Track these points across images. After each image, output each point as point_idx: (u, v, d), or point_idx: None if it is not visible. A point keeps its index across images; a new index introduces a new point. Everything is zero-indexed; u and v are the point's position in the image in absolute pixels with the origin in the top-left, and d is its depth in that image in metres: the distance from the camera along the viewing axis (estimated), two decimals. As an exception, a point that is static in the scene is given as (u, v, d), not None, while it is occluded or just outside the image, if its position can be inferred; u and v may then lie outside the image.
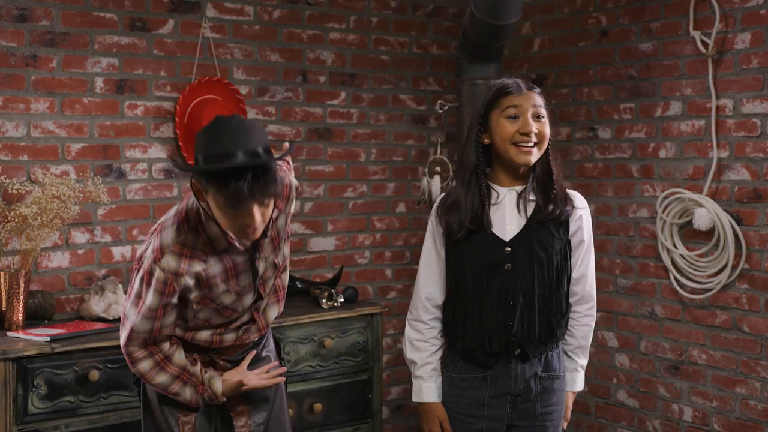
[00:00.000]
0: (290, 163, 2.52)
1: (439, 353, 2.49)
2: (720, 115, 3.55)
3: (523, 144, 2.34)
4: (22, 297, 3.13)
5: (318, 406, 3.48)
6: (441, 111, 4.00)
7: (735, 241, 3.47)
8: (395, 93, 4.29)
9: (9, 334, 3.06)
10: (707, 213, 3.51)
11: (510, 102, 2.35)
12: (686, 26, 3.64)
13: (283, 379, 2.46)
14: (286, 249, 2.42)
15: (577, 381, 2.53)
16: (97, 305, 3.34)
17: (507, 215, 2.39)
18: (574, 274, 2.45)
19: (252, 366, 2.43)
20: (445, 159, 3.96)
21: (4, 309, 3.13)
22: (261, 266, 2.32)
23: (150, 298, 2.23)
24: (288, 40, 3.95)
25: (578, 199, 2.48)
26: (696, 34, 3.58)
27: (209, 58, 3.72)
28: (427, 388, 2.45)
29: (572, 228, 2.44)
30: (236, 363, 2.42)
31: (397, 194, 4.32)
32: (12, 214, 3.12)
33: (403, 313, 4.32)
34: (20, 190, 3.20)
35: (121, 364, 3.02)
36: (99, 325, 3.18)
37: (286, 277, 2.47)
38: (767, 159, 3.42)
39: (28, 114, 3.35)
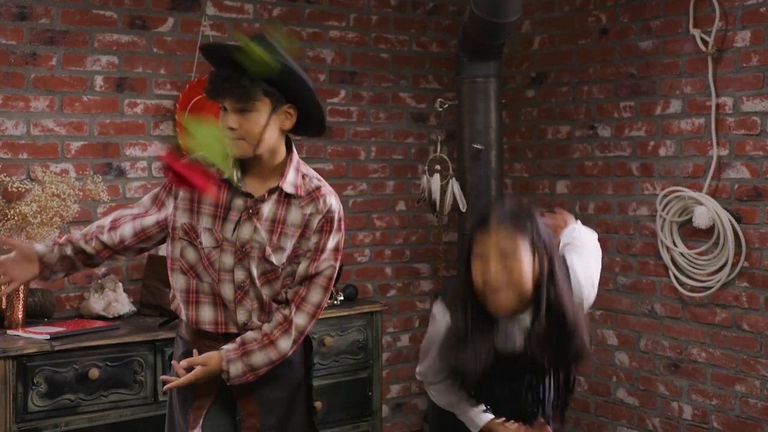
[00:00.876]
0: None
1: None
2: (720, 113, 3.55)
3: (492, 293, 2.08)
4: (21, 295, 3.13)
5: (318, 404, 3.48)
6: (441, 109, 4.00)
7: (735, 239, 3.47)
8: (395, 91, 4.29)
9: (9, 332, 3.06)
10: (707, 211, 3.51)
11: (477, 245, 2.11)
12: (686, 24, 3.64)
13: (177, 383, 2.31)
14: (321, 266, 2.33)
15: None
16: (96, 303, 3.34)
17: (517, 342, 2.18)
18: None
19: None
20: (445, 157, 3.96)
21: (4, 307, 3.13)
22: (246, 229, 2.29)
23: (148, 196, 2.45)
24: (288, 38, 3.95)
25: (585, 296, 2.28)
26: (696, 32, 3.58)
27: (209, 56, 3.71)
28: (475, 415, 2.29)
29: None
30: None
31: (397, 192, 4.32)
32: (12, 212, 3.12)
33: (403, 311, 4.34)
34: (20, 189, 3.20)
35: (121, 362, 3.03)
36: (99, 323, 3.18)
37: (315, 291, 2.34)
38: (767, 157, 3.42)
39: (28, 112, 3.34)
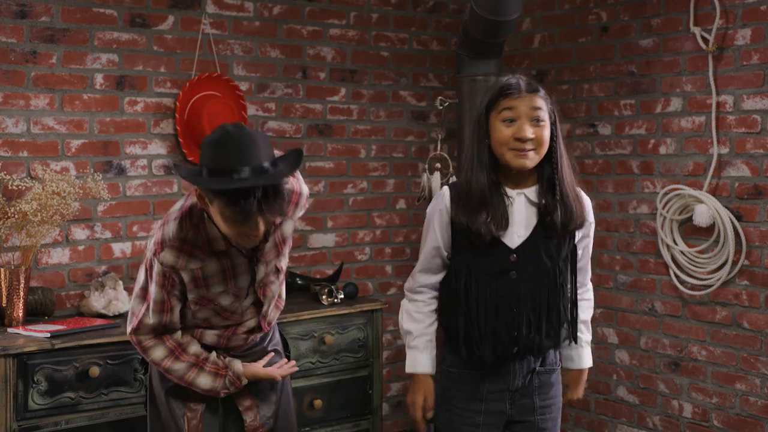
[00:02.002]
0: (298, 174, 2.47)
1: (435, 326, 2.47)
2: (720, 112, 3.55)
3: (518, 149, 2.26)
4: (22, 293, 3.13)
5: (318, 402, 3.48)
6: (441, 107, 4.00)
7: (735, 237, 3.47)
8: (395, 89, 4.28)
9: (9, 330, 3.06)
10: (707, 209, 3.51)
11: (506, 104, 2.27)
12: (687, 22, 3.64)
13: (296, 369, 2.49)
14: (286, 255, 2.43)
15: (584, 357, 2.52)
16: (97, 301, 3.34)
17: (515, 221, 2.32)
18: (579, 275, 2.45)
19: (257, 354, 2.46)
20: (446, 155, 3.96)
21: (4, 305, 3.13)
22: (261, 270, 2.32)
23: (154, 291, 2.26)
24: (288, 36, 3.95)
25: (589, 209, 2.43)
26: (696, 30, 3.58)
27: (209, 54, 3.72)
28: (423, 359, 2.43)
29: (579, 236, 2.41)
30: (243, 357, 2.43)
31: (397, 190, 4.32)
32: (12, 210, 3.12)
33: (403, 310, 4.33)
34: (20, 187, 3.20)
35: (122, 360, 3.03)
36: (99, 322, 3.18)
37: (281, 286, 2.50)
38: (767, 155, 3.42)
39: (28, 110, 3.34)
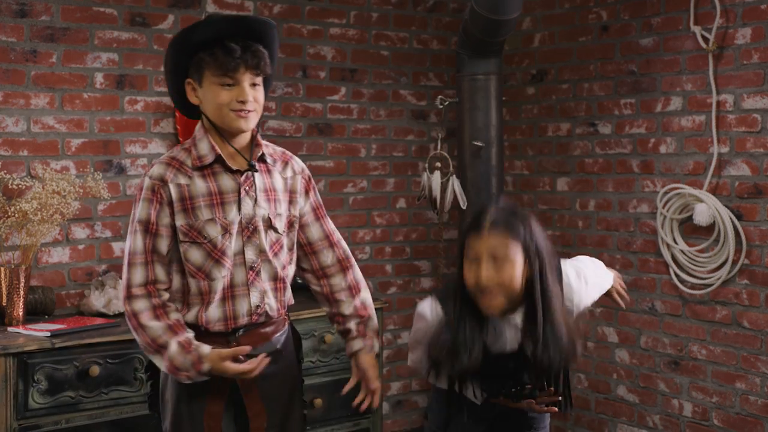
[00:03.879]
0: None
1: None
2: (720, 111, 3.55)
3: (484, 292, 2.13)
4: (22, 292, 3.13)
5: (318, 402, 3.48)
6: (441, 106, 4.00)
7: (735, 236, 3.47)
8: (395, 88, 4.29)
9: (9, 329, 3.06)
10: (707, 208, 3.51)
11: (470, 246, 2.15)
12: (687, 21, 3.64)
13: (265, 362, 2.29)
14: (330, 223, 2.50)
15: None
16: (97, 300, 3.34)
17: (507, 340, 2.21)
18: None
19: (270, 358, 2.33)
20: (446, 154, 3.96)
21: (4, 304, 3.13)
22: (248, 204, 2.28)
23: (140, 209, 2.26)
24: (288, 35, 3.95)
25: (583, 298, 2.32)
26: (697, 30, 3.58)
27: (209, 53, 3.71)
28: None
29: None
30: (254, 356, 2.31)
31: (397, 190, 4.32)
32: (12, 209, 3.12)
33: (404, 308, 4.33)
34: (20, 186, 3.20)
35: (122, 359, 3.03)
36: (99, 321, 3.18)
37: (344, 244, 2.50)
38: (767, 154, 3.42)
39: (28, 109, 3.34)
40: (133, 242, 2.26)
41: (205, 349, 2.23)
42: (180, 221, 2.27)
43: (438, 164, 3.92)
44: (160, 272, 2.27)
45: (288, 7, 3.94)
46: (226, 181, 2.29)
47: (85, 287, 3.46)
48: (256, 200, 2.31)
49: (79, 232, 3.46)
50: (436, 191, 3.86)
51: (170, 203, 2.26)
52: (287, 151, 2.46)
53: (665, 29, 3.74)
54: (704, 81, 3.60)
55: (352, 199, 4.18)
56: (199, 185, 2.27)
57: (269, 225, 2.33)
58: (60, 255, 3.43)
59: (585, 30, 4.06)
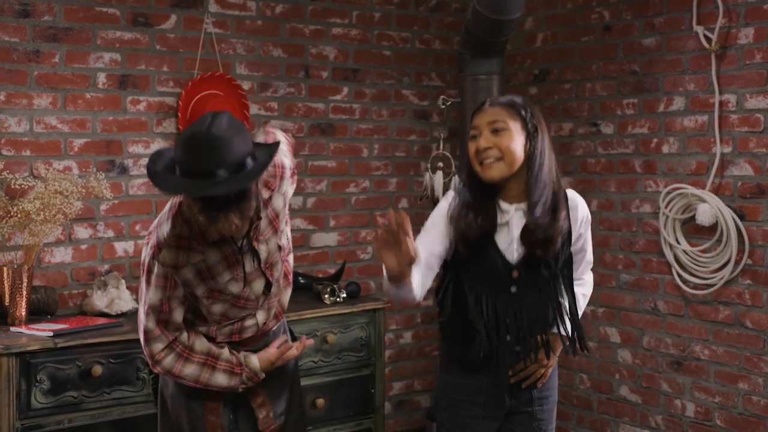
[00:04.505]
0: (289, 142, 2.50)
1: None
2: (723, 111, 3.55)
3: (481, 161, 2.28)
4: (25, 292, 3.13)
5: (321, 402, 3.48)
6: (444, 106, 4.00)
7: (738, 236, 3.47)
8: (398, 88, 4.28)
9: (12, 329, 3.06)
10: (710, 208, 3.51)
11: (472, 123, 2.33)
12: (689, 21, 3.63)
13: (310, 342, 2.49)
14: (288, 231, 2.41)
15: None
16: (99, 300, 3.34)
17: (514, 237, 2.32)
18: (576, 273, 2.46)
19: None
20: (448, 154, 3.96)
21: (7, 304, 3.13)
22: (263, 249, 2.29)
23: (152, 293, 2.22)
24: (290, 35, 3.95)
25: (580, 207, 2.42)
26: (699, 29, 3.57)
27: (212, 53, 3.72)
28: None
29: (574, 237, 2.40)
30: (257, 352, 2.40)
31: (399, 190, 4.32)
32: (15, 209, 3.12)
33: (406, 309, 4.33)
34: (23, 186, 3.20)
35: (124, 359, 3.03)
36: (102, 321, 3.18)
37: (291, 260, 2.46)
38: (770, 154, 3.42)
39: (31, 109, 3.35)
40: (145, 320, 2.25)
41: (255, 362, 2.33)
42: (200, 290, 2.25)
43: (440, 164, 3.92)
44: (175, 331, 2.28)
45: (290, 7, 3.94)
46: (236, 241, 2.26)
47: (88, 287, 3.46)
48: (267, 240, 2.30)
49: (82, 232, 3.47)
50: (439, 191, 3.86)
51: (185, 282, 2.23)
52: (277, 161, 2.32)
53: (668, 29, 3.74)
54: (707, 81, 3.59)
55: (355, 199, 4.18)
56: (213, 255, 2.23)
57: (280, 250, 2.36)
58: (62, 255, 3.43)
59: (587, 30, 4.06)
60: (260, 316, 2.39)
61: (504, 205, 2.33)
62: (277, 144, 2.17)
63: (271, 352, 2.37)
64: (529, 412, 2.46)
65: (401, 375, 4.34)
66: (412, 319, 4.39)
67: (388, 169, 4.28)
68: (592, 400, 4.07)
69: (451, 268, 2.38)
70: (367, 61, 4.17)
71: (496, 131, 2.28)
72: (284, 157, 2.37)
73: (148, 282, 2.22)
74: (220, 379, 2.29)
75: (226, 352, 2.31)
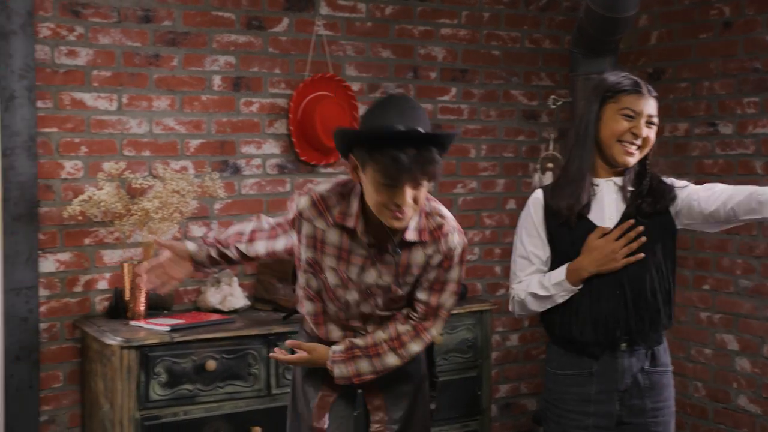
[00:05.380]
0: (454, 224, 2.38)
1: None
2: None
3: (627, 143, 2.35)
4: (143, 288, 3.24)
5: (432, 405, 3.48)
6: (554, 106, 3.94)
7: None
8: (506, 88, 4.24)
9: (132, 323, 3.18)
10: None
11: (630, 100, 2.36)
12: (816, 16, 3.47)
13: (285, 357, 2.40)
14: (443, 298, 2.31)
15: None
16: (213, 297, 3.43)
17: (605, 205, 2.39)
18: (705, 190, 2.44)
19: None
20: (557, 155, 3.90)
21: (127, 299, 3.25)
22: (372, 274, 2.26)
23: (281, 218, 2.38)
24: (399, 36, 3.96)
25: (675, 182, 2.45)
26: (827, 24, 3.41)
27: (322, 55, 3.77)
28: (557, 271, 2.40)
29: (676, 209, 2.41)
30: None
31: (507, 190, 4.27)
32: (135, 207, 3.24)
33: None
34: (143, 185, 3.32)
35: (237, 355, 3.10)
36: (215, 317, 3.27)
37: (437, 324, 2.34)
38: None
39: (151, 111, 3.47)
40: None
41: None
42: (308, 254, 2.28)
43: (550, 165, 3.86)
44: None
45: (400, 8, 3.95)
46: (359, 247, 2.25)
47: (202, 284, 3.56)
48: (381, 273, 2.26)
49: (196, 230, 3.57)
50: (548, 192, 3.80)
51: (299, 233, 2.28)
52: (447, 226, 2.27)
53: (793, 24, 3.58)
54: (835, 78, 3.42)
55: (462, 200, 4.17)
56: (333, 236, 2.25)
57: (388, 291, 2.28)
58: (178, 252, 3.53)
59: (705, 26, 3.92)
60: (369, 330, 2.36)
61: (594, 179, 2.41)
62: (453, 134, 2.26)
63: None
64: (643, 424, 2.38)
65: (507, 377, 4.30)
66: (520, 322, 4.34)
67: (496, 170, 4.25)
68: (707, 409, 3.93)
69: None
70: (475, 62, 4.15)
71: (650, 124, 2.37)
72: (459, 236, 2.32)
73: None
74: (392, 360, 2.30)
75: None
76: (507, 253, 4.29)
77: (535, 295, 2.41)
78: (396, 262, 2.24)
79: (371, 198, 2.14)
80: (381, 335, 2.31)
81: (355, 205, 2.22)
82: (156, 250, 3.13)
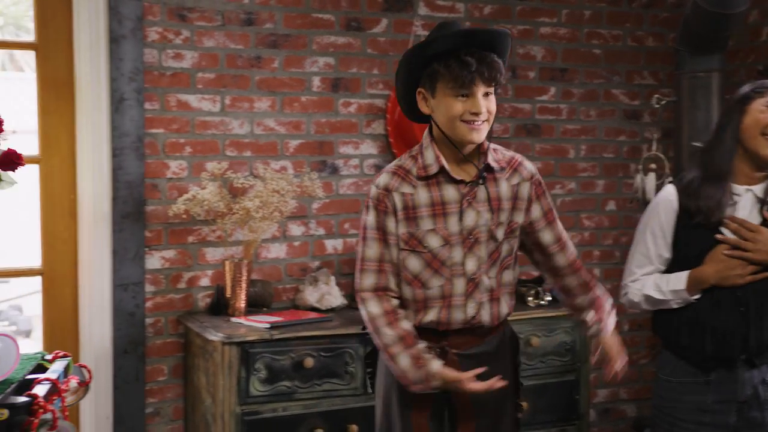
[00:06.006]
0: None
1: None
2: None
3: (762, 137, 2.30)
4: (244, 285, 3.32)
5: (524, 405, 3.43)
6: (658, 106, 3.84)
7: None
8: (607, 88, 4.16)
9: (232, 319, 3.25)
10: None
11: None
12: None
13: (500, 384, 2.29)
14: (561, 226, 2.45)
15: None
16: (311, 295, 3.48)
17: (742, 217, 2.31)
18: None
19: (483, 360, 2.34)
20: (661, 156, 3.80)
21: (228, 296, 3.33)
22: (470, 215, 2.28)
23: (369, 216, 2.32)
24: (498, 35, 3.93)
25: None
26: None
27: (420, 55, 3.77)
28: (677, 275, 2.39)
29: None
30: (469, 357, 2.34)
31: (607, 192, 4.19)
32: (236, 206, 3.31)
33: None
34: (244, 185, 3.39)
35: (334, 353, 3.13)
36: (313, 315, 3.31)
37: (511, 275, 2.39)
38: None
39: (252, 112, 3.54)
40: (364, 249, 2.34)
41: (434, 366, 2.26)
42: (402, 229, 2.30)
43: (653, 165, 3.76)
44: (390, 280, 2.33)
45: (499, 8, 3.92)
46: (450, 192, 2.30)
47: (300, 282, 3.61)
48: (478, 211, 2.30)
49: (295, 229, 3.62)
50: (650, 194, 3.70)
51: (395, 212, 2.30)
52: (517, 155, 2.42)
53: None
54: None
55: (560, 201, 4.10)
56: (423, 195, 2.29)
57: (490, 236, 2.31)
58: (277, 251, 3.60)
59: (820, 21, 3.75)
60: (470, 309, 2.32)
61: (734, 187, 2.35)
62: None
63: (453, 372, 2.27)
64: None
65: (606, 382, 4.21)
66: (619, 325, 4.24)
67: (596, 171, 4.17)
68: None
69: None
70: (575, 60, 4.08)
71: None
72: (531, 164, 2.44)
73: (367, 207, 2.34)
74: (404, 362, 2.26)
75: (423, 345, 2.29)
76: (606, 256, 4.20)
77: (649, 298, 2.37)
78: (487, 194, 2.29)
79: (446, 117, 2.25)
80: (582, 298, 2.43)
81: (430, 152, 2.30)
82: None
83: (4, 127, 2.15)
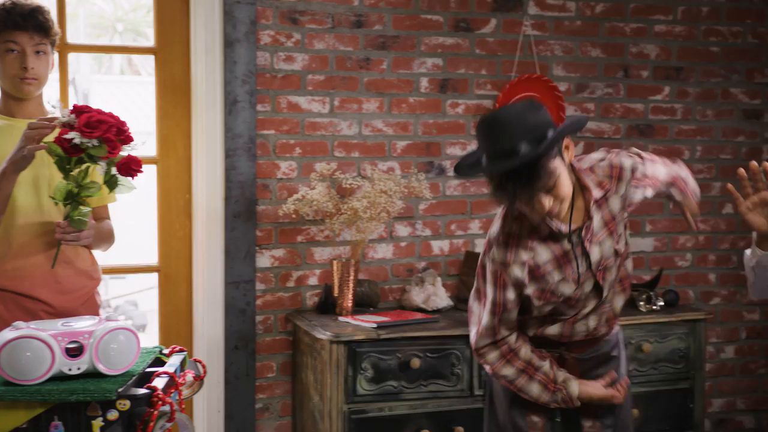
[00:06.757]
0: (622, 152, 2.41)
1: None
2: None
3: None
4: (351, 285, 3.35)
5: (635, 412, 3.35)
6: (779, 104, 3.68)
7: None
8: (725, 86, 4.01)
9: (340, 318, 3.29)
10: None
11: None
12: None
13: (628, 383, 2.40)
14: (626, 235, 2.35)
15: None
16: (417, 296, 3.48)
17: None
18: None
19: (603, 365, 2.39)
20: (783, 157, 3.64)
21: (336, 295, 3.37)
22: (595, 251, 2.25)
23: (488, 289, 2.29)
24: (610, 34, 3.84)
25: None
26: None
27: (529, 55, 3.73)
28: None
29: None
30: (586, 361, 2.37)
31: (723, 194, 4.04)
32: (344, 207, 3.35)
33: (728, 321, 4.05)
34: (352, 185, 3.43)
35: (440, 354, 3.13)
36: (419, 316, 3.31)
37: (629, 264, 2.38)
38: None
39: (360, 113, 3.57)
40: (480, 314, 2.32)
41: (574, 388, 2.29)
42: (531, 289, 2.27)
43: (774, 167, 3.60)
44: (505, 330, 2.31)
45: (611, 6, 3.83)
46: (566, 240, 2.24)
47: (406, 282, 3.62)
48: (600, 242, 2.26)
49: (402, 229, 3.64)
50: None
51: (515, 283, 2.26)
52: (613, 159, 2.30)
53: None
54: None
55: (672, 204, 3.97)
56: (542, 253, 2.24)
57: (616, 255, 2.30)
58: (384, 251, 3.62)
59: None
60: (591, 322, 2.34)
61: None
62: (584, 118, 2.24)
63: (596, 386, 2.32)
64: None
65: (722, 391, 4.06)
66: (736, 333, 4.09)
67: (712, 173, 4.02)
68: None
69: None
70: (691, 59, 3.95)
71: None
72: (624, 156, 2.31)
73: (483, 278, 2.30)
74: (534, 390, 2.30)
75: (546, 365, 2.30)
76: (722, 260, 4.05)
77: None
78: (602, 220, 2.24)
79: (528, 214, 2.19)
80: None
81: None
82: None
83: (133, 136, 2.24)
